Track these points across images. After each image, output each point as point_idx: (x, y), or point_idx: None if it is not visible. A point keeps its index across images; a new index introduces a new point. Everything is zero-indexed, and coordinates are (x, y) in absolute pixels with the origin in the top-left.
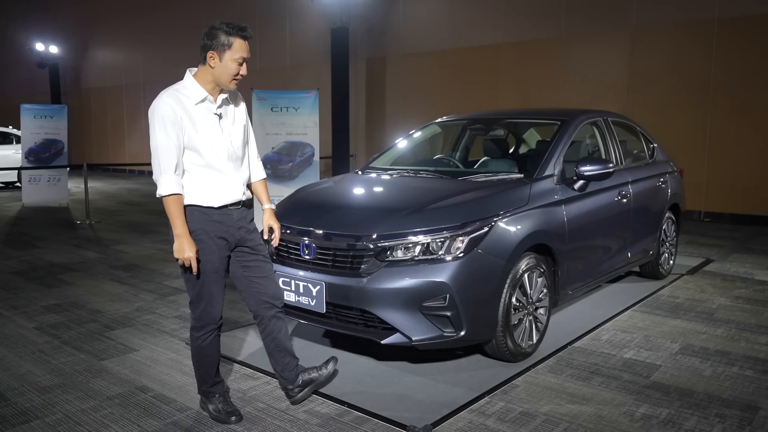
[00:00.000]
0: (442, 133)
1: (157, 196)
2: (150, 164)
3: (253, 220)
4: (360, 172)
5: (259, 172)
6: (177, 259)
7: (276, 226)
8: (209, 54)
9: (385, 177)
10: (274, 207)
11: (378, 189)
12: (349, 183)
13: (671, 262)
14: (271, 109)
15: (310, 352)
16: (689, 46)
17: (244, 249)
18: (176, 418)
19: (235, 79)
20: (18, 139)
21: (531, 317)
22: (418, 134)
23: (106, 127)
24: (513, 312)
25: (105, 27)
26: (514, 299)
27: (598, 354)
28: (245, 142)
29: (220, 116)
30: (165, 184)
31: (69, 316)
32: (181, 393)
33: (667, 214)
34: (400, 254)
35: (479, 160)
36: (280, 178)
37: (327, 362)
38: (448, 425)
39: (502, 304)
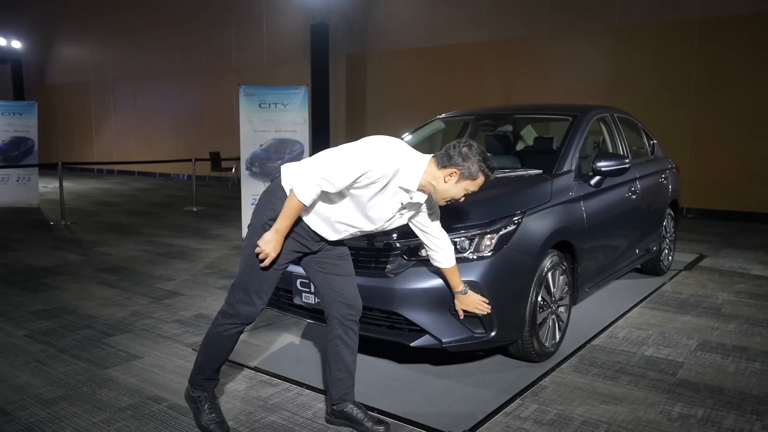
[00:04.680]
0: (446, 130)
1: (288, 189)
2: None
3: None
4: None
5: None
6: (256, 246)
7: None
8: (451, 170)
9: None
10: None
11: None
12: None
13: (670, 258)
14: (259, 106)
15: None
16: (672, 44)
17: (321, 254)
18: (197, 431)
19: (447, 202)
20: None
21: (554, 316)
22: (422, 130)
23: (73, 126)
24: (539, 311)
25: (71, 21)
26: (539, 298)
27: (618, 352)
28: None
29: (403, 207)
30: (308, 191)
31: (60, 322)
32: None
33: (667, 210)
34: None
35: None
36: (268, 176)
37: (380, 423)
38: (485, 430)
39: (529, 303)
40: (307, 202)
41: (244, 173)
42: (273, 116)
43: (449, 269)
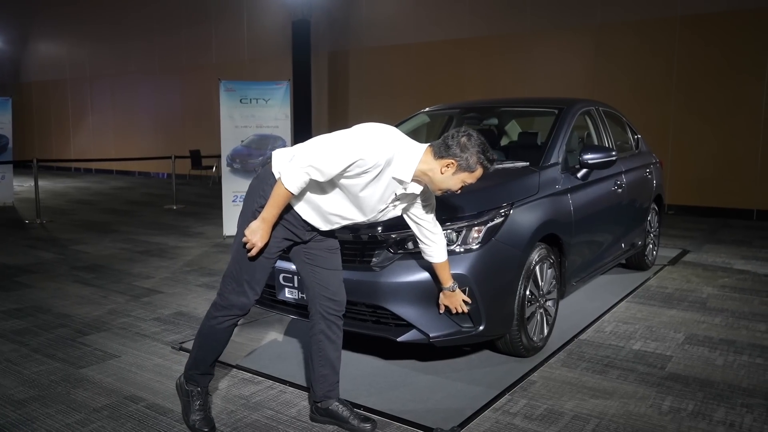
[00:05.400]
0: (431, 123)
1: (277, 176)
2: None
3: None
4: None
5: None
6: (243, 235)
7: None
8: (449, 161)
9: None
10: None
11: None
12: None
13: (654, 252)
14: (240, 101)
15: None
16: (653, 41)
17: (311, 244)
18: (176, 430)
19: (444, 192)
20: None
21: (542, 310)
22: (407, 124)
23: (50, 123)
24: (527, 305)
25: (46, 17)
26: (527, 292)
27: (606, 346)
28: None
29: (396, 198)
30: (296, 180)
31: (34, 321)
32: (175, 402)
33: (652, 205)
34: (413, 245)
35: None
36: (249, 172)
37: (366, 420)
38: (474, 426)
39: (517, 297)
40: (295, 191)
41: (225, 169)
42: (254, 112)
43: (440, 264)
